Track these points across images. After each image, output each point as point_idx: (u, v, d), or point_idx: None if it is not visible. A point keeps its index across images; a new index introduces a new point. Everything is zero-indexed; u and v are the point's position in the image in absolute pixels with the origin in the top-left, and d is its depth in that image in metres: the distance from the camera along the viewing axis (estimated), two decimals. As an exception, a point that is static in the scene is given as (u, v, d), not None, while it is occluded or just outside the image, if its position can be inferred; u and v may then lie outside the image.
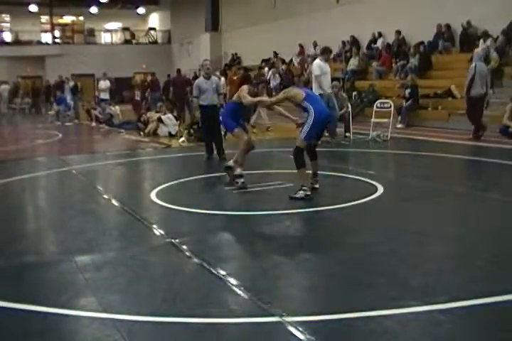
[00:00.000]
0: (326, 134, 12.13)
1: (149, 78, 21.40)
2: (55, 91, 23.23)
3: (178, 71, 18.42)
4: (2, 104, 27.28)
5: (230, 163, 7.26)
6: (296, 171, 6.34)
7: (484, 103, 11.42)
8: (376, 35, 18.72)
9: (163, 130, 13.77)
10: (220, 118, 7.98)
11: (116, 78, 24.44)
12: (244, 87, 7.23)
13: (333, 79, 14.60)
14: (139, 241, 4.93)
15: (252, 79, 18.02)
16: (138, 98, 20.45)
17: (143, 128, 14.37)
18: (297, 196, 6.18)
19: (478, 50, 12.16)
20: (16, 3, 31.33)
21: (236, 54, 26.52)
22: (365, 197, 6.24)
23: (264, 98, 7.11)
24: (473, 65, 11.27)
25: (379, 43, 18.58)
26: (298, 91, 6.50)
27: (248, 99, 7.03)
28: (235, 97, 7.43)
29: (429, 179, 7.41)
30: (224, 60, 27.43)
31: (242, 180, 6.98)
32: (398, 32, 17.62)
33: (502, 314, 3.25)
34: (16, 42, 32.32)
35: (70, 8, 32.78)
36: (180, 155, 10.79)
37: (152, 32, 35.60)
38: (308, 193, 6.22)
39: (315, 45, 21.11)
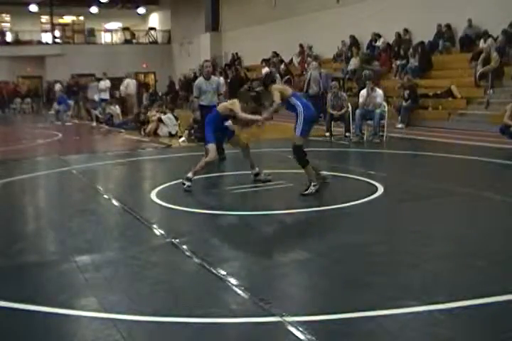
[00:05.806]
0: (327, 134, 12.21)
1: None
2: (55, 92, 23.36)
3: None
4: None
5: (189, 175, 6.83)
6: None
7: (323, 99, 13.71)
8: (375, 35, 18.66)
9: (163, 130, 13.78)
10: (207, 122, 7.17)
11: (116, 78, 24.54)
12: (236, 103, 6.89)
13: (332, 80, 14.72)
14: (139, 241, 4.93)
15: (248, 80, 18.03)
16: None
17: (140, 127, 14.40)
18: (308, 192, 6.34)
19: (315, 63, 15.75)
20: (16, 3, 31.25)
21: (236, 54, 26.51)
22: (365, 197, 6.24)
23: (267, 113, 6.69)
24: (309, 73, 15.40)
25: (379, 43, 18.55)
26: (285, 87, 6.94)
27: (244, 116, 6.78)
28: (222, 108, 7.09)
29: (429, 179, 7.41)
30: (224, 60, 27.42)
31: (189, 184, 6.79)
32: (398, 32, 17.61)
33: (502, 314, 3.25)
34: (16, 42, 32.25)
35: (70, 8, 32.75)
36: (180, 155, 10.78)
37: (152, 32, 35.53)
38: (317, 187, 6.41)
39: (310, 47, 21.09)
